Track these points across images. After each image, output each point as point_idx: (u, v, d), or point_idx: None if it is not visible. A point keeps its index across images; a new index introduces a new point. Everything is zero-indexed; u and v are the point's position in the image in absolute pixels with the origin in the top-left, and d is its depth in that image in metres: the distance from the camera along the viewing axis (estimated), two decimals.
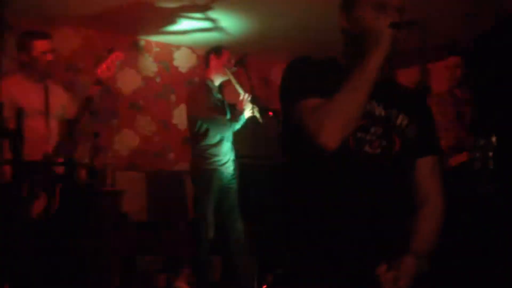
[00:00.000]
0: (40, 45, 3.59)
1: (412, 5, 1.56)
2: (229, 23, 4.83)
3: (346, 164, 1.47)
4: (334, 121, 1.37)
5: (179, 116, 5.52)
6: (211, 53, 4.10)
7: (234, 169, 4.18)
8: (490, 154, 2.09)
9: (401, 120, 1.55)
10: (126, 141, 5.19)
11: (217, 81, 4.13)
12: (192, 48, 5.64)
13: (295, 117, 1.43)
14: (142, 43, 5.36)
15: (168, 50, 5.51)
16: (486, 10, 4.01)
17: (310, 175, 1.52)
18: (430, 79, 3.84)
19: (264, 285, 4.53)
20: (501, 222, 2.56)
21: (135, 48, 5.26)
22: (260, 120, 4.00)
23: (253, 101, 4.00)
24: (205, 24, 4.89)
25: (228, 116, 4.07)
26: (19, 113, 2.82)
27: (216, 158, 4.00)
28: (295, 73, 1.53)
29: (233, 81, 4.02)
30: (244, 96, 4.02)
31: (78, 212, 3.09)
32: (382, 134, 1.51)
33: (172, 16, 4.66)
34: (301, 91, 1.44)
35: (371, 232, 1.49)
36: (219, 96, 4.13)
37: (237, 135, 5.07)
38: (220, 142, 4.02)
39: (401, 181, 1.54)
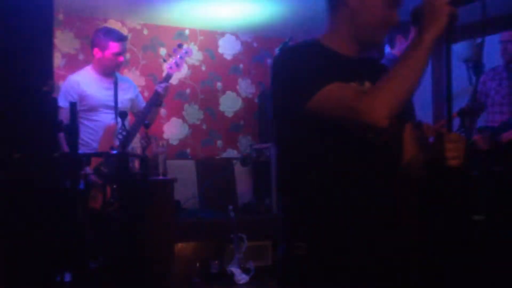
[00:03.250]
0: (114, 47, 3.69)
1: None
2: (272, 7, 4.80)
3: (355, 150, 1.47)
4: (389, 99, 1.35)
5: (226, 103, 5.55)
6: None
7: None
8: None
9: None
10: (175, 130, 5.27)
11: None
12: (236, 34, 5.63)
13: (319, 104, 1.39)
14: (187, 32, 5.40)
15: (213, 37, 5.53)
16: None
17: (321, 164, 1.49)
18: (482, 54, 3.72)
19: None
20: None
21: (180, 38, 5.30)
22: None
23: None
24: (249, 10, 4.88)
25: None
26: (73, 108, 2.90)
27: None
28: (299, 64, 1.47)
29: None
30: None
31: (134, 202, 3.16)
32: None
33: (215, 2, 4.66)
34: (319, 79, 1.41)
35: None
36: None
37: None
38: None
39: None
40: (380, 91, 1.36)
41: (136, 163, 3.47)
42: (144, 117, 3.69)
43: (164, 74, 3.93)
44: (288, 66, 1.50)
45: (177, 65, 3.80)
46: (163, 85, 3.76)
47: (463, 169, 1.42)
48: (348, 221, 1.47)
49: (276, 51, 4.11)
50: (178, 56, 3.84)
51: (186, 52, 3.86)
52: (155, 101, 3.77)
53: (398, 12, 1.50)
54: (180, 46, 3.86)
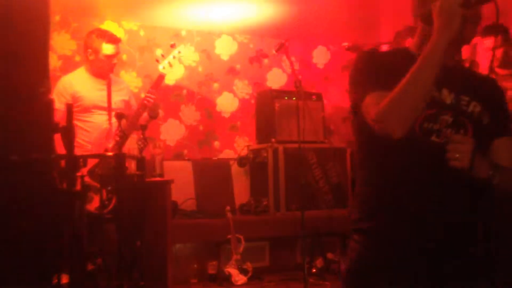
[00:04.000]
0: (108, 49, 3.69)
1: None
2: (268, 8, 4.80)
3: (413, 155, 1.47)
4: (400, 107, 1.35)
5: (223, 104, 5.55)
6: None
7: None
8: None
9: (473, 107, 1.52)
10: (172, 131, 5.26)
11: None
12: (233, 35, 5.63)
13: (363, 110, 1.46)
14: (184, 33, 5.39)
15: (209, 38, 5.53)
16: None
17: (378, 164, 1.54)
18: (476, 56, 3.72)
19: (313, 269, 4.55)
20: None
21: (177, 39, 5.29)
22: None
23: None
24: (245, 11, 4.88)
25: None
26: (69, 109, 2.89)
27: None
28: (362, 67, 1.53)
29: None
30: None
31: (130, 204, 3.16)
32: (452, 123, 1.48)
33: (211, 3, 4.66)
34: (369, 85, 1.45)
35: (440, 227, 1.47)
36: None
37: (280, 119, 5.08)
38: None
39: None
40: (390, 102, 1.36)
41: (133, 165, 3.47)
42: (136, 120, 3.67)
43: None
44: (356, 66, 1.55)
45: (170, 65, 3.78)
46: (150, 96, 3.69)
47: (467, 171, 1.41)
48: (405, 223, 1.49)
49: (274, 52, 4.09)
50: (171, 56, 3.83)
51: (179, 52, 3.84)
52: (146, 111, 3.74)
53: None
54: (172, 46, 3.85)
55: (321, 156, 4.98)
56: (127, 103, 3.97)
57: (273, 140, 4.99)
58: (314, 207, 4.80)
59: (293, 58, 5.42)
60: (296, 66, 5.75)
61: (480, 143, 1.45)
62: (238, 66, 5.66)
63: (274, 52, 4.23)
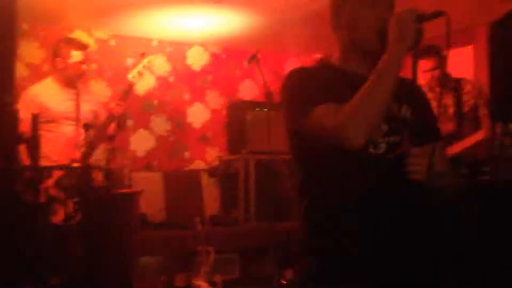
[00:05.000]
0: (76, 55, 3.64)
1: None
2: (241, 19, 4.81)
3: (354, 168, 1.47)
4: (360, 120, 1.35)
5: (194, 115, 5.52)
6: None
7: None
8: (508, 141, 2.06)
9: (405, 112, 1.54)
10: (141, 141, 5.21)
11: None
12: (204, 46, 5.62)
13: (310, 124, 1.43)
14: (155, 43, 5.36)
15: (181, 49, 5.51)
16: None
17: (322, 181, 1.52)
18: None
19: (283, 280, 4.53)
20: None
21: (148, 49, 5.25)
22: None
23: None
24: (217, 21, 4.87)
25: None
26: (35, 119, 2.84)
27: None
28: (300, 83, 1.52)
29: None
30: None
31: (97, 216, 3.11)
32: (388, 131, 1.49)
33: (183, 13, 4.64)
34: (312, 99, 1.43)
35: (386, 233, 1.47)
36: None
37: (252, 130, 5.07)
38: None
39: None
40: (350, 113, 1.36)
41: (100, 176, 3.41)
42: (104, 131, 3.61)
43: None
44: (290, 86, 1.54)
45: (139, 75, 3.75)
46: (119, 106, 3.64)
47: (425, 184, 1.43)
48: (356, 241, 1.48)
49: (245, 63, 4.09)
50: (141, 65, 3.79)
51: (149, 62, 3.81)
52: (114, 121, 3.68)
53: (390, 12, 1.50)
54: (142, 55, 3.81)
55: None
56: (95, 113, 3.91)
57: (244, 151, 4.98)
58: (285, 218, 4.79)
59: (265, 70, 5.44)
60: (268, 77, 5.76)
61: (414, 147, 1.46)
62: (209, 77, 5.65)
63: (246, 63, 4.23)
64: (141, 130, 5.23)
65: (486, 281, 2.48)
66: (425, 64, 3.60)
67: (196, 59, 5.60)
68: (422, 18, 1.39)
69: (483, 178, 3.16)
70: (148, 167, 5.18)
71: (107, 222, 3.18)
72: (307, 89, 1.48)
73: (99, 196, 3.11)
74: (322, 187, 1.53)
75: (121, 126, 3.77)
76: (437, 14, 1.39)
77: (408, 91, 1.54)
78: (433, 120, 1.66)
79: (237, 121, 5.30)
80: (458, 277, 2.71)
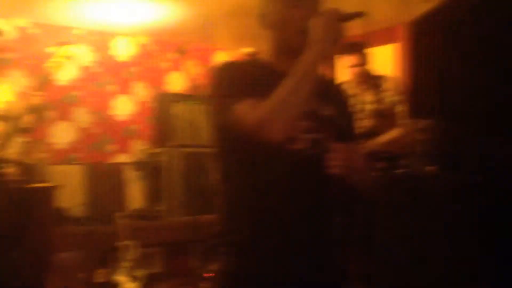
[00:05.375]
0: None
1: None
2: (168, 10, 4.72)
3: (276, 163, 1.48)
4: (279, 115, 1.36)
5: (119, 107, 5.39)
6: None
7: None
8: (423, 137, 2.13)
9: (326, 111, 1.57)
10: (62, 134, 5.02)
11: None
12: (131, 36, 5.49)
13: (234, 118, 1.43)
14: (78, 32, 5.17)
15: (106, 39, 5.35)
16: None
17: (243, 175, 1.53)
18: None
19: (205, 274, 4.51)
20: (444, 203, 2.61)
21: (71, 38, 5.06)
22: None
23: None
24: (144, 12, 4.76)
25: None
26: None
27: None
28: (225, 78, 1.52)
29: None
30: None
31: (9, 211, 2.96)
32: (310, 128, 1.52)
33: (109, 3, 4.50)
34: (236, 94, 1.44)
35: (307, 231, 1.49)
36: None
37: (178, 123, 5.01)
38: None
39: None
40: (269, 109, 1.37)
41: (15, 170, 3.25)
42: (20, 122, 3.44)
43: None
44: (216, 81, 1.53)
45: (59, 64, 3.60)
46: (37, 93, 3.49)
47: (345, 178, 1.45)
48: (272, 236, 1.48)
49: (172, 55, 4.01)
50: (61, 54, 3.64)
51: (70, 51, 3.66)
52: (33, 111, 3.52)
53: (315, 11, 1.50)
54: (63, 44, 3.66)
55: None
56: (12, 104, 3.72)
57: (170, 144, 4.91)
58: (210, 211, 4.77)
59: (192, 62, 5.39)
60: (196, 70, 5.72)
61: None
62: (136, 69, 5.52)
63: (173, 55, 4.15)
64: (62, 122, 5.04)
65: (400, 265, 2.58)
66: (350, 60, 3.68)
67: (122, 50, 5.46)
68: (342, 18, 1.41)
69: (398, 172, 3.27)
70: (69, 160, 5.00)
71: (20, 217, 3.02)
72: (234, 83, 1.48)
73: (11, 191, 2.95)
74: (241, 181, 1.53)
75: (39, 116, 3.60)
76: (357, 15, 1.42)
77: (330, 90, 1.57)
78: (352, 120, 1.71)
79: (164, 113, 5.21)
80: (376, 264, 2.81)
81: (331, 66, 1.42)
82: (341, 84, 2.25)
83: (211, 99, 1.54)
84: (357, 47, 3.66)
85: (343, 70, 3.76)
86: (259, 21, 1.60)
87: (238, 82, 1.48)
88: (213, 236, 4.35)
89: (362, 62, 3.71)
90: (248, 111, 1.40)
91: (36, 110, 3.60)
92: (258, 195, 1.50)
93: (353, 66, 3.67)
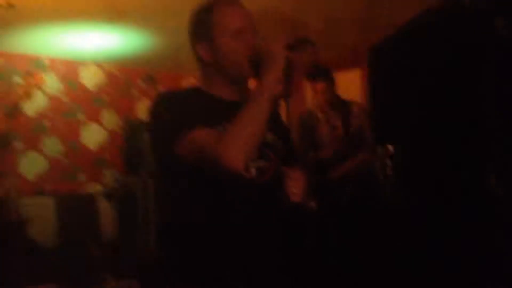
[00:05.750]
0: None
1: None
2: (136, 38, 4.74)
3: (226, 194, 1.48)
4: (240, 144, 1.38)
5: (89, 136, 5.34)
6: None
7: None
8: (388, 162, 2.17)
9: (270, 138, 1.58)
10: (32, 164, 4.95)
11: None
12: (100, 65, 5.48)
13: (185, 147, 1.42)
14: (46, 61, 5.14)
15: (75, 67, 5.33)
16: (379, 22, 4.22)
17: (191, 202, 1.51)
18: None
19: None
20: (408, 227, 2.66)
21: (39, 67, 5.03)
22: None
23: None
24: (112, 40, 4.77)
25: None
26: None
27: None
28: (171, 108, 1.50)
29: None
30: None
31: None
32: (257, 156, 1.52)
33: (76, 31, 4.50)
34: (186, 125, 1.43)
35: (256, 256, 1.50)
36: None
37: (148, 152, 4.99)
38: None
39: (281, 196, 1.55)
40: (230, 138, 1.38)
41: None
42: None
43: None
44: (160, 110, 1.51)
45: (26, 94, 3.55)
46: (6, 123, 3.44)
47: (302, 204, 1.47)
48: (224, 266, 1.48)
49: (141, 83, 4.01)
50: (29, 84, 3.60)
51: (38, 80, 3.63)
52: (1, 140, 3.47)
53: (255, 40, 1.53)
54: (30, 74, 3.63)
55: None
56: None
57: (142, 172, 4.87)
58: None
59: (161, 89, 5.39)
60: None
61: (283, 172, 1.52)
62: (105, 97, 5.50)
63: (142, 83, 4.16)
64: (31, 152, 4.97)
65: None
66: (315, 86, 3.73)
67: (91, 78, 5.44)
68: (291, 46, 1.44)
69: (364, 196, 3.31)
70: (40, 192, 4.92)
71: None
72: (178, 112, 1.47)
73: None
74: (192, 211, 1.51)
75: (4, 145, 3.53)
76: (304, 42, 1.45)
77: (271, 118, 1.57)
78: (293, 145, 1.73)
79: (135, 141, 5.19)
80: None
81: (291, 92, 1.44)
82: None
83: (156, 129, 1.51)
84: (322, 72, 3.72)
85: (310, 95, 3.82)
86: (194, 51, 1.58)
87: (183, 110, 1.47)
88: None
89: (329, 87, 3.76)
90: (206, 140, 1.40)
91: (4, 140, 3.54)
92: (210, 224, 1.49)
93: (319, 91, 3.72)
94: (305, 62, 1.53)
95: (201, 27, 1.57)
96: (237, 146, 1.37)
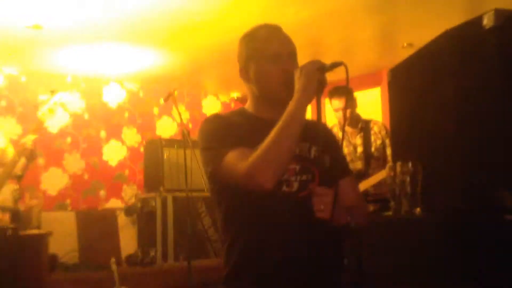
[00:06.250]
0: None
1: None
2: (158, 57, 4.83)
3: (269, 207, 1.53)
4: (269, 163, 1.43)
5: (110, 152, 5.42)
6: None
7: None
8: (408, 179, 2.20)
9: (314, 152, 1.63)
10: (54, 180, 5.04)
11: None
12: (121, 82, 5.58)
13: (225, 168, 1.49)
14: (69, 79, 5.26)
15: (97, 85, 5.44)
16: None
17: (240, 223, 1.58)
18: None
19: None
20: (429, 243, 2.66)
21: (62, 85, 5.15)
22: None
23: None
24: (134, 58, 4.87)
25: None
26: None
27: None
28: (214, 129, 1.59)
29: None
30: None
31: (1, 257, 2.96)
32: (300, 170, 1.57)
33: (99, 51, 4.60)
34: (227, 144, 1.51)
35: (305, 269, 1.53)
36: None
37: (169, 168, 5.04)
38: None
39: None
40: (259, 157, 1.43)
41: (7, 217, 3.26)
42: (12, 169, 3.46)
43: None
44: (208, 130, 1.60)
45: (50, 112, 3.63)
46: (30, 138, 3.51)
47: (330, 221, 1.49)
48: (274, 281, 1.52)
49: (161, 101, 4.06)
50: (51, 101, 3.68)
51: (60, 98, 3.71)
52: (25, 155, 3.53)
53: (292, 64, 1.60)
54: (52, 92, 3.71)
55: (210, 204, 4.98)
56: (4, 151, 3.74)
57: (161, 189, 4.93)
58: (204, 256, 4.76)
59: (183, 107, 5.46)
60: (186, 115, 5.80)
61: (327, 185, 1.53)
62: (126, 114, 5.59)
63: (162, 101, 4.22)
64: (53, 168, 5.06)
65: None
66: (337, 104, 3.77)
67: (112, 96, 5.54)
68: (323, 68, 1.49)
69: (386, 214, 3.31)
70: (61, 207, 5.00)
71: (13, 265, 3.02)
72: (222, 134, 1.56)
73: (4, 238, 2.96)
74: (240, 227, 1.58)
75: (30, 158, 3.59)
76: (337, 65, 1.50)
77: (315, 132, 1.62)
78: (341, 158, 1.77)
79: (155, 158, 5.25)
80: None
81: (317, 108, 1.48)
82: (326, 125, 2.32)
83: (202, 149, 1.60)
84: (344, 91, 3.76)
85: (332, 114, 3.86)
86: (241, 76, 1.68)
87: (226, 132, 1.56)
88: (209, 281, 4.35)
89: (350, 105, 3.80)
90: (238, 160, 1.46)
91: (28, 157, 3.62)
92: (257, 240, 1.55)
93: (341, 109, 3.76)
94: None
95: (244, 52, 1.66)
96: (264, 165, 1.42)
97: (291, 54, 1.62)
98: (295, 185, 1.56)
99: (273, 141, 1.44)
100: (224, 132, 1.56)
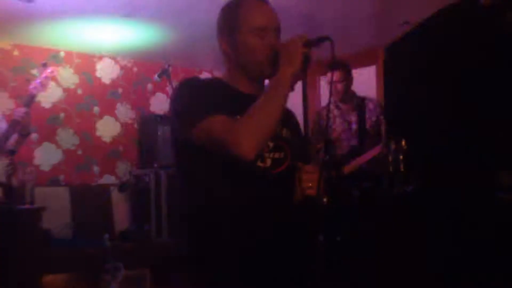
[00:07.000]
0: None
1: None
2: (151, 32, 4.79)
3: (243, 180, 1.51)
4: (254, 133, 1.42)
5: (104, 128, 5.40)
6: None
7: None
8: (401, 157, 2.20)
9: (285, 132, 1.63)
10: (47, 155, 5.02)
11: None
12: (115, 58, 5.53)
13: (205, 131, 1.45)
14: (62, 54, 5.21)
15: (90, 61, 5.39)
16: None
17: (206, 188, 1.54)
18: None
19: None
20: (419, 220, 2.68)
21: (54, 60, 5.10)
22: None
23: None
24: (128, 34, 4.82)
25: None
26: None
27: None
28: (192, 92, 1.54)
29: None
30: None
31: None
32: (273, 148, 1.57)
33: (93, 25, 4.55)
34: (206, 109, 1.46)
35: (267, 244, 1.52)
36: None
37: (163, 144, 5.05)
38: None
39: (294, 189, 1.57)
40: (244, 126, 1.42)
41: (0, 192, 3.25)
42: (4, 143, 3.43)
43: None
44: (183, 93, 1.55)
45: (42, 85, 3.58)
46: (22, 110, 3.46)
47: (317, 198, 1.50)
48: (234, 254, 1.50)
49: (156, 77, 4.02)
50: (43, 75, 3.63)
51: (52, 72, 3.65)
52: (17, 129, 3.49)
53: (277, 40, 1.57)
54: (44, 65, 3.66)
55: None
56: None
57: (155, 165, 4.93)
58: None
59: (176, 83, 5.42)
60: None
61: (295, 164, 1.54)
62: (120, 90, 5.56)
63: (156, 77, 4.19)
64: (47, 144, 5.04)
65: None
66: (338, 75, 3.74)
67: (106, 71, 5.49)
68: (309, 43, 1.48)
69: (381, 190, 3.33)
70: (54, 182, 5.00)
71: (6, 239, 3.03)
72: (198, 97, 1.51)
73: None
74: (207, 198, 1.54)
75: (24, 133, 3.56)
76: (323, 39, 1.48)
77: (285, 116, 1.62)
78: (305, 142, 1.75)
79: (149, 135, 5.25)
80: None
81: (304, 88, 1.47)
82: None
83: (176, 114, 1.54)
84: (340, 64, 3.74)
85: (327, 88, 3.83)
86: (221, 46, 1.62)
87: (203, 96, 1.52)
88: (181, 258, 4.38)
89: (346, 78, 3.78)
90: (220, 126, 1.43)
91: (21, 132, 3.59)
92: (223, 211, 1.52)
93: (337, 82, 3.75)
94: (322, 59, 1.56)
95: (227, 21, 1.62)
96: (249, 134, 1.41)
97: (277, 29, 1.58)
98: (268, 162, 1.55)
99: (261, 111, 1.44)
100: (202, 95, 1.52)
